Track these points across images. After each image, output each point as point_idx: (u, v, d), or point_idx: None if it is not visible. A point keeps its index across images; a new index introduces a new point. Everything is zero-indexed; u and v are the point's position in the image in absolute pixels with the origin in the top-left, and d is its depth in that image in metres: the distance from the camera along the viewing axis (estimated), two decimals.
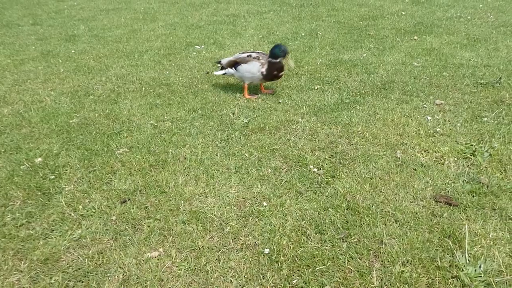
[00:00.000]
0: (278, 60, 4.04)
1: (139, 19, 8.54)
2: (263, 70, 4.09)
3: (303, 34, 6.82)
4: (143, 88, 4.76)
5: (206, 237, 2.39)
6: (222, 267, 2.18)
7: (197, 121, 3.86)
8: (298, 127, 3.65)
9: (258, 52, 4.26)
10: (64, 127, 3.83)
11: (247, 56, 4.19)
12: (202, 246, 2.32)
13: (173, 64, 5.56)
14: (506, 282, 2.00)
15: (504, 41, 5.94)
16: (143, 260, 2.25)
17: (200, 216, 2.56)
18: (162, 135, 3.61)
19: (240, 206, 2.64)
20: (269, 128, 3.65)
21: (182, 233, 2.42)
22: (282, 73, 4.16)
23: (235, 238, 2.38)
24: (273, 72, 4.09)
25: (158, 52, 6.14)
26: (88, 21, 8.55)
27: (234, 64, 4.28)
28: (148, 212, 2.64)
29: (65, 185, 2.96)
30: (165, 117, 3.96)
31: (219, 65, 4.53)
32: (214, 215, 2.57)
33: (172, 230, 2.46)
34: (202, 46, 6.35)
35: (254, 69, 4.13)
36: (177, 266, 2.20)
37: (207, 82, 4.84)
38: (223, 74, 4.46)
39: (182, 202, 2.71)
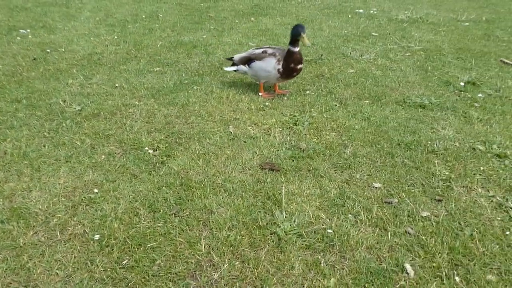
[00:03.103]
0: (297, 49, 3.59)
1: None
2: (280, 67, 3.67)
3: (143, 16, 6.66)
4: None
5: (29, 233, 2.24)
6: (47, 261, 2.07)
7: (21, 112, 3.52)
8: (135, 110, 3.60)
9: (275, 48, 3.80)
10: None
11: (262, 52, 3.76)
12: (24, 243, 2.17)
13: None
14: (315, 231, 2.31)
15: (327, 22, 6.67)
16: None
17: (22, 212, 2.38)
18: None
19: (69, 196, 2.53)
20: (104, 113, 3.52)
21: (0, 233, 2.23)
22: (301, 65, 3.70)
23: (62, 230, 2.27)
24: (290, 65, 3.63)
25: None
26: None
27: (248, 61, 3.85)
28: None
29: None
30: None
31: (230, 61, 4.08)
32: (39, 209, 2.41)
33: None
34: (28, 31, 5.74)
35: (270, 66, 3.70)
36: None
37: (35, 69, 4.43)
38: (235, 70, 4.03)
39: (1, 200, 2.47)
